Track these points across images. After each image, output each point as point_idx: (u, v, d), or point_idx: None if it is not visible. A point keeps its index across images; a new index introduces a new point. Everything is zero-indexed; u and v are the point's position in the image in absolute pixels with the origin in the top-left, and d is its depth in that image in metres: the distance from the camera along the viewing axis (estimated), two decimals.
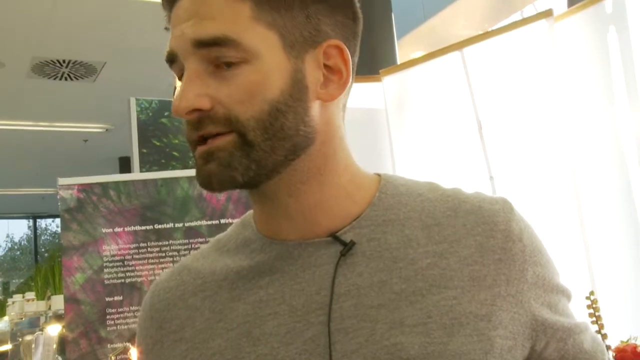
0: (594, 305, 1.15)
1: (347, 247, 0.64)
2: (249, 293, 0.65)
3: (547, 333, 0.65)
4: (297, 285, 0.64)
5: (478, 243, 0.64)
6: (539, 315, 0.64)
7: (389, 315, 0.61)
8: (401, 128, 2.65)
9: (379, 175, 0.71)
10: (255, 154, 0.61)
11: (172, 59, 0.63)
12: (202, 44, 0.60)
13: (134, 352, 2.28)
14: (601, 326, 1.13)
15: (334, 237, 0.65)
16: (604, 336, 1.09)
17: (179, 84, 0.64)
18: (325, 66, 0.64)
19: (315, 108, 0.64)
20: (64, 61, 5.84)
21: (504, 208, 0.67)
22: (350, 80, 0.66)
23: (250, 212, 0.73)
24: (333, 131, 0.66)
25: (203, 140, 0.61)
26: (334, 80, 0.65)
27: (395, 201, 0.68)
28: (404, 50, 4.70)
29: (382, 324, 0.60)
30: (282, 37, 0.61)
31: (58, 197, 2.44)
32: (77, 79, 6.31)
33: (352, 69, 0.66)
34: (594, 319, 1.14)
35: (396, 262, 0.63)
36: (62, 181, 2.47)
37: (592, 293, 1.18)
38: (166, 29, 0.66)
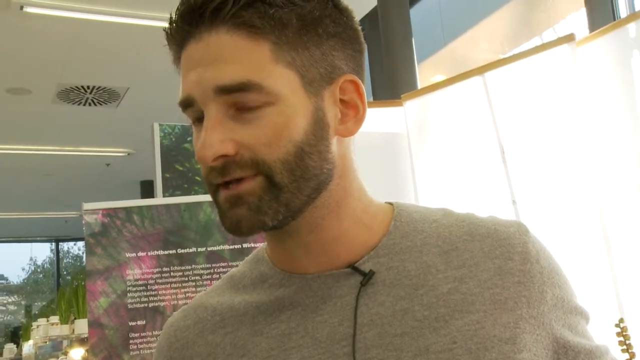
0: (624, 333, 1.13)
1: (367, 277, 0.64)
2: (271, 327, 0.65)
3: (568, 355, 0.65)
4: (320, 317, 0.64)
5: (497, 266, 0.65)
6: (560, 337, 0.64)
7: (414, 343, 0.61)
8: (423, 152, 2.65)
9: (391, 203, 0.72)
10: (283, 197, 0.60)
11: (188, 104, 0.62)
12: (225, 90, 0.59)
13: None
14: (632, 355, 1.11)
15: (353, 267, 0.65)
16: None
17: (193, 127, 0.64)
18: (342, 101, 0.65)
19: (334, 144, 0.64)
20: (88, 87, 5.95)
21: (519, 230, 0.68)
22: (366, 113, 0.66)
23: (262, 246, 0.74)
24: (348, 164, 0.67)
25: (226, 184, 0.61)
26: (350, 115, 0.65)
27: (410, 228, 0.68)
28: (424, 74, 4.71)
29: (407, 352, 0.61)
30: (301, 76, 0.61)
31: (83, 221, 2.47)
32: (100, 104, 6.41)
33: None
34: (625, 347, 1.12)
35: (417, 290, 0.64)
36: (86, 206, 2.50)
37: (621, 320, 1.17)
38: (173, 62, 0.65)
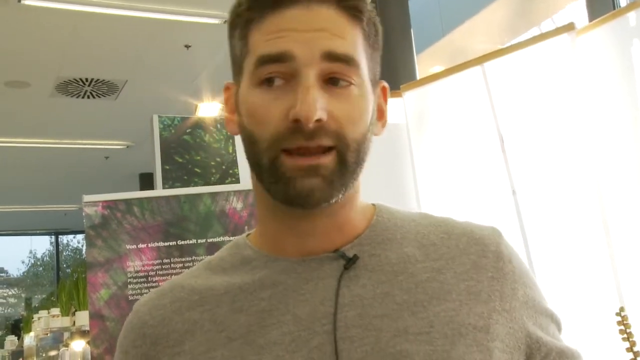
0: (624, 322, 1.13)
1: (352, 261, 0.66)
2: (251, 304, 0.66)
3: (541, 351, 0.67)
4: (301, 297, 0.65)
5: (472, 261, 0.68)
6: (533, 332, 0.67)
7: (393, 324, 0.63)
8: (422, 143, 2.65)
9: (373, 204, 0.75)
10: (347, 176, 0.63)
11: (281, 59, 0.62)
12: (334, 58, 0.62)
13: None
14: (633, 343, 1.11)
15: (339, 253, 0.67)
16: (637, 353, 1.08)
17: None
18: (377, 104, 0.70)
19: None
20: (87, 80, 5.93)
21: (494, 233, 0.71)
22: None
23: (242, 236, 0.75)
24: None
25: (299, 153, 0.61)
26: (380, 118, 0.71)
27: (391, 224, 0.71)
28: (423, 65, 4.70)
29: (386, 333, 0.63)
30: (369, 71, 0.66)
31: (83, 214, 2.47)
32: (99, 97, 6.40)
33: None
34: (625, 335, 1.13)
35: (397, 276, 0.66)
36: (86, 198, 2.50)
37: (622, 309, 1.17)
38: (239, 16, 0.66)
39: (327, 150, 0.61)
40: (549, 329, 0.69)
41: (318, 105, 0.60)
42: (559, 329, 0.72)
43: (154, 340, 0.69)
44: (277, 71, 0.62)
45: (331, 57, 0.61)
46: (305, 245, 0.67)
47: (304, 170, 0.61)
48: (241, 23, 0.66)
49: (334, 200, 0.63)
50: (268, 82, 0.63)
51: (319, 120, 0.60)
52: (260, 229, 0.72)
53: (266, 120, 0.62)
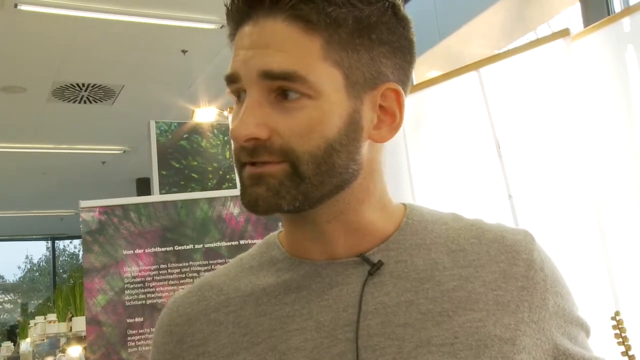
0: (620, 326, 1.13)
1: (376, 267, 0.65)
2: (275, 308, 0.67)
3: None
4: (324, 302, 0.65)
5: (501, 270, 0.66)
6: (560, 344, 0.66)
7: (416, 334, 0.62)
8: (419, 148, 2.66)
9: (404, 204, 0.74)
10: (304, 187, 0.62)
11: (233, 80, 0.64)
12: (270, 76, 0.61)
13: None
14: (628, 347, 1.11)
15: (363, 257, 0.66)
16: (632, 357, 1.08)
17: (231, 108, 0.66)
18: (381, 107, 0.66)
19: (365, 147, 0.66)
20: (83, 85, 5.93)
21: (526, 238, 0.70)
22: (402, 123, 0.68)
23: (275, 233, 0.75)
24: (375, 167, 0.68)
25: (252, 163, 0.63)
26: (386, 122, 0.67)
27: (421, 227, 0.70)
28: (419, 70, 4.72)
29: (408, 343, 0.62)
30: (345, 77, 0.63)
31: (80, 219, 2.47)
32: (96, 102, 6.40)
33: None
34: (620, 339, 1.13)
35: (423, 284, 0.65)
36: (83, 204, 2.50)
37: (617, 313, 1.17)
38: (228, 36, 0.67)
39: (279, 161, 0.62)
40: (578, 338, 0.68)
41: (250, 123, 0.61)
42: (588, 336, 0.71)
43: (180, 338, 0.70)
44: (236, 90, 0.65)
45: (268, 76, 0.61)
46: (326, 250, 0.67)
47: (252, 179, 0.63)
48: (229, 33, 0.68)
49: (287, 209, 0.63)
50: (237, 99, 0.65)
51: (256, 139, 0.61)
52: (284, 229, 0.73)
53: (232, 137, 0.64)
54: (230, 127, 0.65)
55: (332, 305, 0.65)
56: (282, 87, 0.61)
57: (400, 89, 0.66)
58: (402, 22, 0.66)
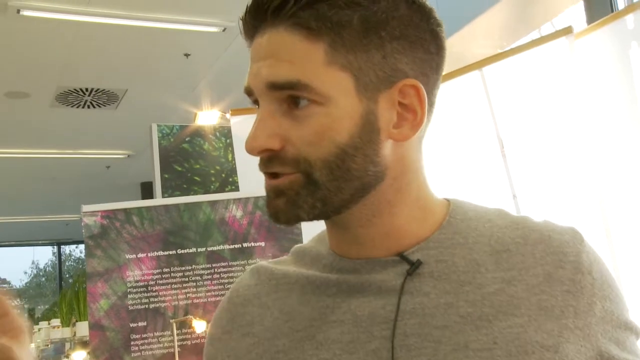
0: None
1: (414, 266, 0.65)
2: (317, 299, 0.68)
3: None
4: (364, 298, 0.65)
5: (546, 273, 0.64)
6: (605, 351, 0.63)
7: (453, 338, 0.61)
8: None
9: (447, 200, 0.72)
10: (320, 193, 0.62)
11: (249, 93, 0.65)
12: (276, 87, 0.61)
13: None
14: None
15: (401, 256, 0.66)
16: None
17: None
18: (400, 104, 0.63)
19: (387, 147, 0.63)
20: (87, 89, 5.94)
21: (575, 239, 0.67)
22: (425, 119, 0.65)
23: None
24: (407, 165, 0.66)
25: (270, 174, 0.64)
26: (408, 119, 0.64)
27: (464, 225, 0.68)
28: None
29: (445, 346, 0.61)
30: (355, 79, 0.61)
31: (82, 224, 2.47)
32: (99, 106, 6.41)
33: (433, 102, 0.66)
34: None
35: (463, 286, 0.64)
36: (85, 208, 2.50)
37: None
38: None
39: (292, 172, 0.62)
40: (626, 343, 0.65)
41: (262, 135, 0.61)
42: (637, 338, 0.68)
43: (232, 316, 0.73)
44: (255, 101, 0.66)
45: (274, 86, 0.61)
46: (365, 250, 0.67)
47: (272, 191, 0.64)
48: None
49: (308, 218, 0.63)
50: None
51: (269, 150, 0.62)
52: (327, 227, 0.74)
53: None
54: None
55: (372, 301, 0.65)
56: (291, 95, 0.61)
57: (420, 84, 0.63)
58: (418, 14, 0.63)
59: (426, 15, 0.64)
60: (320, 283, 0.68)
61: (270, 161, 0.62)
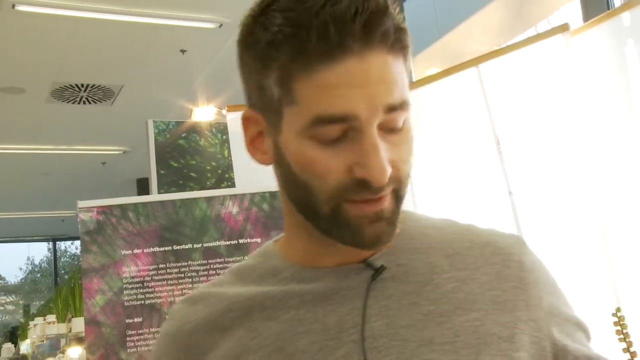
0: (621, 322, 1.12)
1: (379, 271, 0.67)
2: (281, 312, 0.68)
3: (567, 358, 0.66)
4: (329, 306, 0.67)
5: (496, 271, 0.69)
6: (559, 341, 0.67)
7: (418, 335, 0.64)
8: (418, 145, 2.64)
9: None
10: (400, 208, 0.65)
11: (345, 120, 0.59)
12: (393, 109, 0.60)
13: None
14: (629, 343, 1.10)
15: (367, 262, 0.68)
16: (633, 354, 1.07)
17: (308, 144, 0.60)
18: None
19: None
20: (82, 85, 5.92)
21: (517, 242, 0.72)
22: None
23: (270, 243, 0.76)
24: None
25: (368, 199, 0.61)
26: None
27: (418, 232, 0.72)
28: (419, 67, 4.70)
29: (412, 343, 0.64)
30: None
31: (78, 219, 2.46)
32: (95, 102, 6.39)
33: None
34: (622, 336, 1.12)
35: (423, 286, 0.67)
36: (81, 204, 2.49)
37: (618, 310, 1.16)
38: (291, 61, 0.60)
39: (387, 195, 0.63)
40: (575, 336, 0.69)
41: (387, 164, 0.60)
42: (587, 338, 0.71)
43: (187, 347, 0.70)
44: (338, 129, 0.60)
45: (390, 109, 0.60)
46: (337, 258, 0.68)
47: (371, 217, 0.62)
48: (278, 67, 0.61)
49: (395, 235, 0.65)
50: (326, 140, 0.61)
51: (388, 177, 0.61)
52: (289, 239, 0.73)
53: (326, 175, 0.61)
54: (321, 168, 0.61)
55: (337, 309, 0.66)
56: (397, 118, 0.61)
57: None
58: None
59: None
60: (282, 296, 0.68)
61: (382, 186, 0.60)
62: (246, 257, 0.79)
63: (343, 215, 0.62)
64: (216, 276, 2.45)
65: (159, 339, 0.74)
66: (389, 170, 0.60)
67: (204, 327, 0.70)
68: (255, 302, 0.69)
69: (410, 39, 0.64)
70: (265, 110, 0.65)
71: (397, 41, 0.61)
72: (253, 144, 0.68)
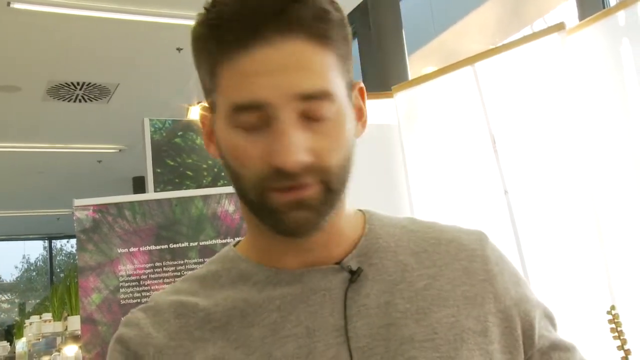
0: (615, 320, 1.13)
1: (357, 274, 0.67)
2: (262, 317, 0.66)
3: (535, 345, 0.69)
4: (310, 308, 0.66)
5: (463, 267, 0.70)
6: (527, 329, 0.69)
7: (399, 333, 0.65)
8: (414, 143, 2.65)
9: (360, 210, 0.75)
10: (334, 201, 0.64)
11: (255, 107, 0.60)
12: (307, 97, 0.60)
13: None
14: (624, 341, 1.11)
15: (341, 265, 0.68)
16: (627, 352, 1.07)
17: (236, 131, 0.61)
18: (355, 105, 0.69)
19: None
20: (78, 83, 5.91)
21: (480, 237, 0.73)
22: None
23: (228, 247, 0.74)
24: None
25: (289, 187, 0.61)
26: (359, 118, 0.69)
27: (384, 232, 0.72)
28: (415, 65, 4.71)
29: (393, 341, 0.64)
30: (347, 86, 0.65)
31: (74, 218, 2.46)
32: (91, 100, 6.38)
33: None
34: (616, 334, 1.12)
35: (397, 285, 0.68)
36: (77, 202, 2.49)
37: (613, 307, 1.17)
38: (210, 54, 0.63)
39: (311, 185, 0.62)
40: (541, 323, 0.71)
41: (299, 149, 0.59)
42: (553, 325, 0.73)
43: (160, 349, 0.67)
44: (250, 118, 0.61)
45: (304, 97, 0.60)
46: (305, 258, 0.68)
47: (292, 204, 0.61)
48: (206, 56, 0.64)
49: (324, 226, 0.64)
50: (248, 127, 0.62)
51: (302, 163, 0.60)
52: (251, 241, 0.72)
53: (248, 162, 0.62)
54: (242, 153, 0.62)
55: (318, 310, 0.66)
56: (316, 107, 0.61)
57: (363, 86, 0.70)
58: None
59: (349, 29, 0.69)
60: (261, 302, 0.67)
61: (299, 175, 0.60)
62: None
63: (268, 203, 0.62)
64: None
65: (118, 346, 0.69)
66: (300, 156, 0.59)
67: (181, 335, 0.67)
68: (236, 311, 0.67)
69: (340, 32, 0.63)
70: (205, 95, 0.69)
71: (317, 30, 0.60)
72: (209, 138, 0.69)
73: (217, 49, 0.62)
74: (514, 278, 0.72)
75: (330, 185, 0.62)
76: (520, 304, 0.69)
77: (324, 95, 0.60)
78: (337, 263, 0.68)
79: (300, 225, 0.62)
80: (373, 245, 0.70)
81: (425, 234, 0.72)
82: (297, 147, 0.59)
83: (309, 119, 0.61)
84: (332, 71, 0.62)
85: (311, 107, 0.60)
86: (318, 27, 0.61)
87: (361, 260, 0.69)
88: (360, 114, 0.69)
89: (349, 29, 0.66)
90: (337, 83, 0.62)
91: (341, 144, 0.63)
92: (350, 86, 0.67)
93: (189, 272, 0.75)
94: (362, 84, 0.70)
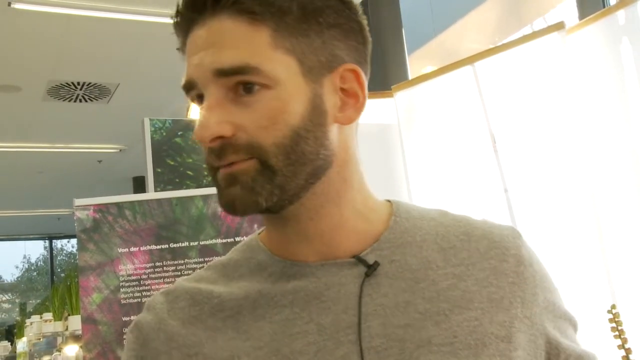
0: (616, 319, 1.13)
1: (372, 268, 0.65)
2: (274, 312, 0.65)
3: (559, 357, 0.66)
4: (323, 304, 0.64)
5: (492, 266, 0.67)
6: (553, 338, 0.66)
7: (416, 335, 0.62)
8: (414, 143, 2.65)
9: (388, 200, 0.73)
10: (278, 179, 0.61)
11: (190, 87, 0.64)
12: (223, 73, 0.60)
13: None
14: (624, 340, 1.11)
15: (357, 258, 0.66)
16: (628, 351, 1.07)
17: (196, 108, 0.65)
18: (342, 90, 0.65)
19: (333, 131, 0.65)
20: (78, 83, 5.91)
21: (513, 234, 0.70)
22: (366, 102, 0.67)
23: (254, 235, 0.74)
24: (350, 154, 0.67)
25: (223, 165, 0.62)
26: (350, 103, 0.66)
27: (410, 224, 0.69)
28: (414, 65, 4.70)
29: (410, 343, 0.62)
30: (300, 63, 0.62)
31: (74, 217, 2.46)
32: (91, 100, 6.38)
33: (366, 93, 0.68)
34: (617, 333, 1.12)
35: (418, 283, 0.65)
36: (78, 202, 2.49)
37: (613, 307, 1.17)
38: (178, 49, 0.67)
39: (247, 158, 0.61)
40: (567, 332, 0.69)
41: (211, 123, 0.60)
42: (576, 331, 0.71)
43: (169, 336, 0.67)
44: (194, 97, 0.64)
45: (222, 73, 0.60)
46: (315, 250, 0.66)
47: (226, 180, 0.62)
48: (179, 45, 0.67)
49: (266, 205, 0.62)
50: (200, 105, 0.64)
51: (221, 137, 0.60)
52: (266, 230, 0.71)
53: (199, 142, 0.64)
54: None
55: (331, 307, 0.64)
56: (240, 82, 0.60)
57: (359, 68, 0.66)
58: (347, 5, 0.66)
59: (354, 7, 0.67)
60: (274, 295, 0.66)
61: (223, 150, 0.61)
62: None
63: (214, 180, 0.64)
64: None
65: (134, 330, 0.70)
66: (212, 130, 0.60)
67: (194, 324, 0.68)
68: (248, 302, 0.67)
69: (290, 8, 0.61)
70: None
71: (247, 6, 0.60)
72: None
73: (180, 40, 0.66)
74: (545, 283, 0.69)
75: (268, 162, 0.60)
76: (548, 311, 0.67)
77: (245, 71, 0.60)
78: (357, 256, 0.66)
79: (232, 201, 0.62)
80: (397, 240, 0.68)
81: (455, 229, 0.69)
82: (210, 121, 0.60)
83: (245, 92, 0.61)
84: (262, 47, 0.60)
85: (234, 82, 0.60)
86: (244, 3, 0.60)
87: (382, 255, 0.66)
88: (354, 98, 0.66)
89: (316, 5, 0.63)
90: (273, 59, 0.61)
91: (276, 118, 0.60)
92: (321, 66, 0.63)
93: (215, 259, 0.75)
94: (354, 67, 0.66)
